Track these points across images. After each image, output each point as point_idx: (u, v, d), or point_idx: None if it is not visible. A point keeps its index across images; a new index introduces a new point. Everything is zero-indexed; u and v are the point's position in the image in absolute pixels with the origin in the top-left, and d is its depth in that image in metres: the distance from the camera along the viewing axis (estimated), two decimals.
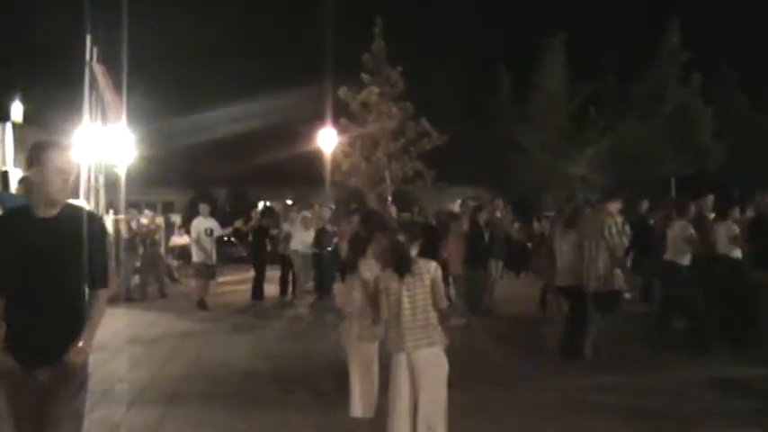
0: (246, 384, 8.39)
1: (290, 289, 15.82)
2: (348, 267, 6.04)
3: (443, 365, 5.39)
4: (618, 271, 9.32)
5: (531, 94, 35.42)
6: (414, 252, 5.63)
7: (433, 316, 5.46)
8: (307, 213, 15.51)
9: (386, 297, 5.50)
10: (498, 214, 13.99)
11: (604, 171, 33.65)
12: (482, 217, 13.09)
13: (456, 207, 15.56)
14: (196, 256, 14.77)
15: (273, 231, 16.63)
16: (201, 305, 14.31)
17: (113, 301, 15.58)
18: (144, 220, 17.28)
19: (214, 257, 14.94)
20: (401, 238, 5.63)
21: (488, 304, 13.15)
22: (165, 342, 10.96)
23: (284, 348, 10.47)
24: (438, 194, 33.21)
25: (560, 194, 31.08)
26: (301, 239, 14.94)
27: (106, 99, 15.33)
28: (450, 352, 5.36)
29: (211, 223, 14.92)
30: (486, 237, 13.01)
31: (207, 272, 14.67)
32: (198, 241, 14.67)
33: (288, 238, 15.44)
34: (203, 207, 15.26)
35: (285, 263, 15.70)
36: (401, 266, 5.47)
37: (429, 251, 6.18)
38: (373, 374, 5.93)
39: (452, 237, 12.34)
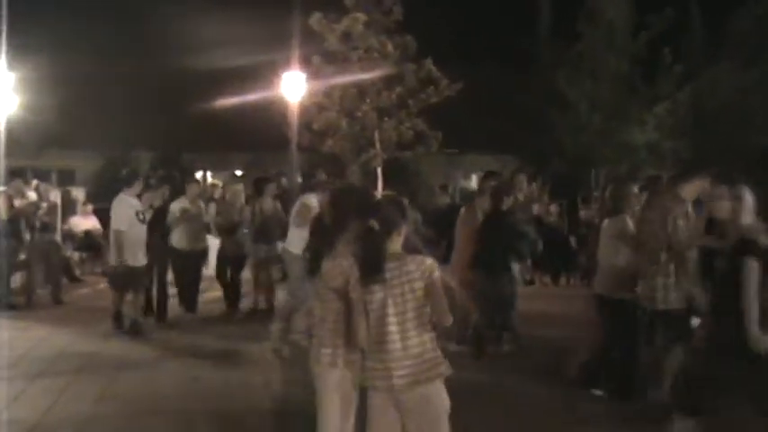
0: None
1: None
2: (310, 269, 5.87)
3: (443, 405, 5.33)
4: (684, 282, 8.83)
5: (579, 29, 35.26)
6: (396, 244, 5.49)
7: (431, 338, 5.37)
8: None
9: (362, 312, 5.38)
10: (520, 196, 13.78)
11: (681, 137, 33.59)
12: (508, 202, 12.47)
13: (473, 183, 15.37)
14: (119, 254, 13.38)
15: None
16: (134, 327, 13.54)
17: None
18: (32, 195, 17.12)
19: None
20: (374, 224, 5.47)
21: (509, 324, 12.69)
22: (59, 369, 10.89)
23: (228, 379, 10.40)
24: (447, 165, 33.21)
25: (617, 169, 31.05)
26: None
27: None
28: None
29: (137, 203, 13.90)
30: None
31: (136, 279, 13.73)
32: (122, 232, 13.36)
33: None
34: (131, 176, 14.42)
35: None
36: (369, 268, 5.34)
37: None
38: (350, 413, 5.79)
39: (463, 228, 12.21)
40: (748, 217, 6.99)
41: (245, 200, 16.07)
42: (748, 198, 7.05)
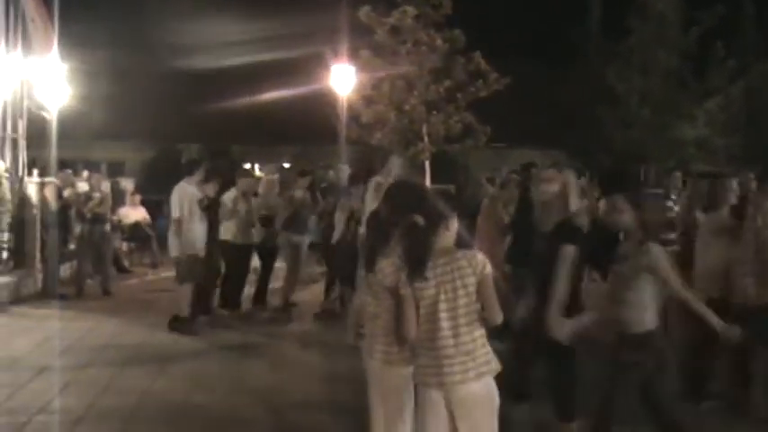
0: (218, 429, 8.37)
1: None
2: (366, 265, 5.80)
3: (493, 399, 5.27)
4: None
5: (630, 23, 34.99)
6: (447, 240, 5.41)
7: (482, 334, 5.30)
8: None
9: (412, 308, 5.32)
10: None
11: (733, 133, 33.24)
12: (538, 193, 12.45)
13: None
14: (181, 247, 13.01)
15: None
16: (186, 327, 12.94)
17: (35, 298, 15.63)
18: (82, 186, 17.19)
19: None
20: (419, 219, 5.39)
21: None
22: (106, 359, 10.91)
23: (273, 373, 10.42)
24: (494, 159, 32.97)
25: (666, 164, 30.76)
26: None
27: (30, 17, 15.24)
28: None
29: (197, 191, 13.41)
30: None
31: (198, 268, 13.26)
32: (184, 222, 12.99)
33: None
34: (193, 164, 14.16)
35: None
36: (413, 265, 5.27)
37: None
38: (404, 411, 5.72)
39: (486, 222, 12.03)
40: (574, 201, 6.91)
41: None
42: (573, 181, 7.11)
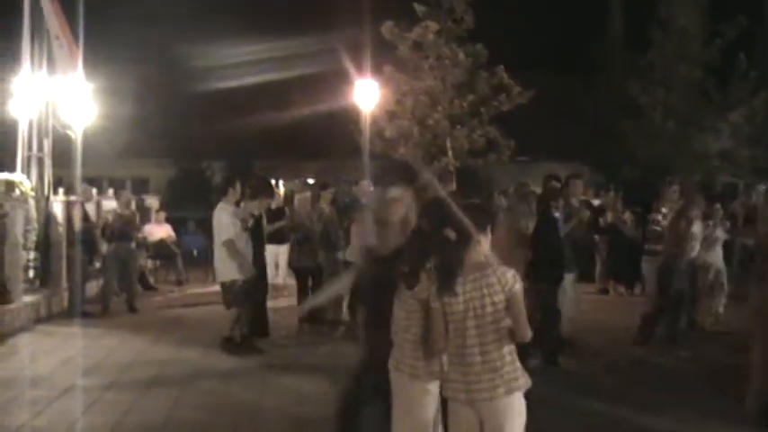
0: None
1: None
2: (407, 280, 5.74)
3: (521, 415, 5.29)
4: None
5: (652, 36, 34.91)
6: (478, 255, 5.37)
7: (511, 351, 5.28)
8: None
9: (441, 322, 5.30)
10: (574, 201, 13.18)
11: (756, 144, 33.06)
12: (558, 206, 12.12)
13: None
14: (234, 271, 12.59)
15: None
16: (239, 346, 12.74)
17: (61, 317, 15.64)
18: (107, 204, 17.22)
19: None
20: (450, 233, 5.36)
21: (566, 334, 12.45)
22: (133, 377, 10.89)
23: (301, 388, 10.40)
24: (519, 173, 32.92)
25: (689, 177, 30.62)
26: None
27: (55, 36, 15.28)
28: None
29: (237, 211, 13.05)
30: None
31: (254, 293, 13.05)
32: (233, 241, 12.56)
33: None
34: (226, 184, 13.69)
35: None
36: (443, 280, 5.25)
37: None
38: (428, 426, 5.74)
39: (504, 234, 11.89)
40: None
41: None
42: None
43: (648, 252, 13.89)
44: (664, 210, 13.88)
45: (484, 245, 5.42)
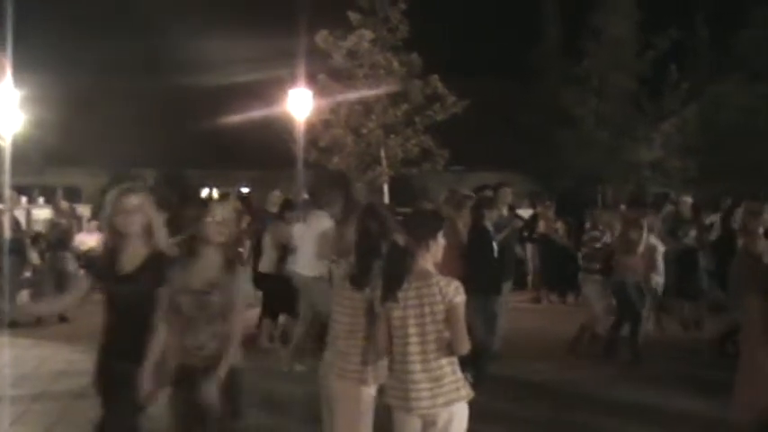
0: None
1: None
2: (357, 281, 5.77)
3: (462, 426, 5.32)
4: None
5: (586, 46, 35.21)
6: (425, 261, 5.42)
7: (451, 362, 5.31)
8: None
9: (385, 327, 5.35)
10: (504, 210, 13.16)
11: (687, 155, 33.41)
12: (491, 216, 11.91)
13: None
14: None
15: None
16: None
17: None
18: (42, 213, 17.06)
19: None
20: (399, 239, 5.44)
21: (497, 348, 12.15)
22: (62, 388, 10.77)
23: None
24: (453, 182, 32.99)
25: (622, 186, 30.95)
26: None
27: None
28: None
29: None
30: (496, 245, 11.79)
31: None
32: None
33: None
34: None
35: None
36: (387, 285, 5.30)
37: None
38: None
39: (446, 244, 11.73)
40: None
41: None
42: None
43: (588, 270, 13.52)
44: (600, 227, 13.79)
45: (433, 253, 5.47)
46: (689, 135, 33.69)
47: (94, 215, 23.01)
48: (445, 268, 9.93)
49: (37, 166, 31.51)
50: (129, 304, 5.83)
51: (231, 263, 5.85)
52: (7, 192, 16.93)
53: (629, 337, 12.61)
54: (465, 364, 5.79)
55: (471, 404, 5.40)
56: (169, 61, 33.58)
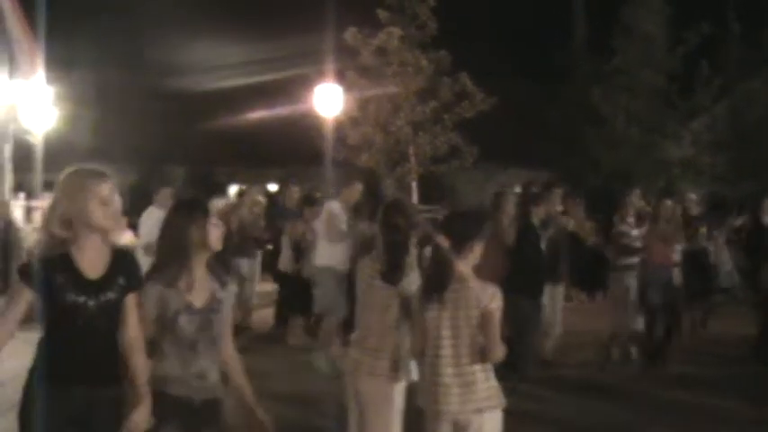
0: None
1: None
2: (390, 276, 5.78)
3: (495, 431, 5.28)
4: None
5: (616, 43, 35.05)
6: (465, 264, 5.42)
7: (484, 368, 5.30)
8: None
9: (421, 325, 5.36)
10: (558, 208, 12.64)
11: (718, 152, 33.22)
12: (538, 213, 11.24)
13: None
14: None
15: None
16: None
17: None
18: None
19: None
20: (442, 240, 5.44)
21: (544, 353, 12.06)
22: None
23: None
24: (482, 180, 33.02)
25: (652, 184, 30.76)
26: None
27: (16, 39, 15.25)
28: None
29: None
30: (543, 245, 11.21)
31: None
32: (149, 247, 11.81)
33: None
34: (164, 193, 13.62)
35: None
36: (428, 286, 5.31)
37: None
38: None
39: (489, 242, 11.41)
40: None
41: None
42: None
43: (615, 268, 13.17)
44: (629, 219, 13.30)
45: (473, 256, 5.46)
46: (719, 132, 33.47)
47: (125, 212, 23.15)
48: (489, 267, 9.75)
49: (68, 163, 31.70)
50: (95, 318, 4.72)
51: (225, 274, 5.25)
52: (39, 187, 17.08)
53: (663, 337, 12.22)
54: (509, 367, 5.74)
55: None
56: (199, 60, 33.64)
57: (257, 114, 32.93)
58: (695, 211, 15.58)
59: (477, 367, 5.22)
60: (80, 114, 26.85)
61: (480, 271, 5.38)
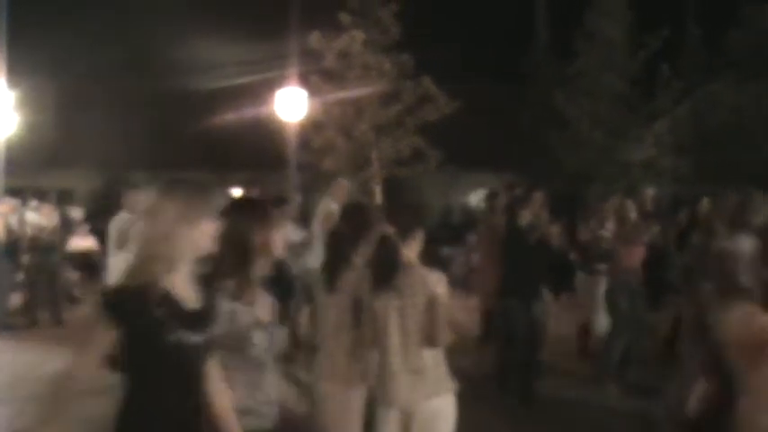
0: None
1: None
2: (326, 281, 5.82)
3: (447, 420, 5.30)
4: None
5: (578, 46, 35.26)
6: (410, 253, 5.46)
7: (434, 354, 5.32)
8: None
9: (368, 318, 5.37)
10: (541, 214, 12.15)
11: (679, 154, 33.45)
12: (525, 217, 11.00)
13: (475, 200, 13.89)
14: None
15: None
16: None
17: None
18: (31, 216, 17.06)
19: None
20: (389, 231, 5.49)
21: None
22: None
23: None
24: (446, 183, 33.09)
25: (614, 186, 30.94)
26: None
27: None
28: None
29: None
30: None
31: None
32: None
33: None
34: (133, 197, 12.31)
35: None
36: (380, 276, 5.33)
37: None
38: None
39: (481, 247, 11.38)
40: None
41: None
42: None
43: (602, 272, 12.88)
44: (608, 225, 13.21)
45: (413, 248, 5.50)
46: (680, 134, 33.70)
47: (87, 218, 23.05)
48: (485, 272, 9.78)
49: (31, 168, 31.51)
50: (198, 359, 4.09)
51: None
52: (1, 193, 16.95)
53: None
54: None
55: (471, 400, 5.43)
56: (161, 64, 33.57)
57: (221, 118, 32.83)
58: (649, 206, 15.53)
59: (426, 354, 5.24)
60: (40, 120, 26.66)
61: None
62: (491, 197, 12.13)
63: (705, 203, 13.25)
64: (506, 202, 11.60)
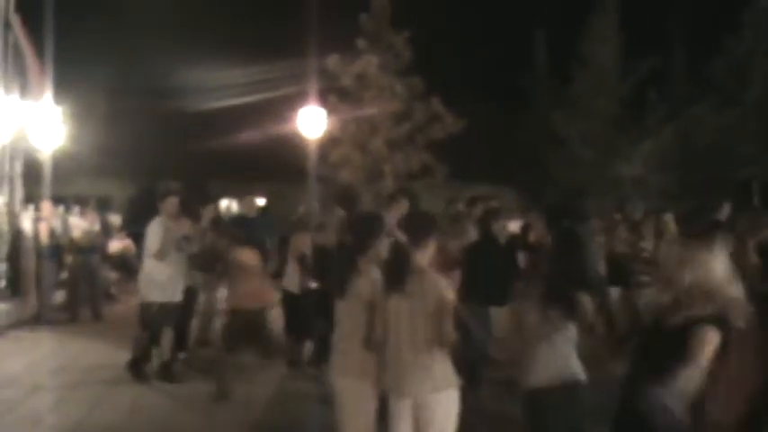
0: None
1: None
2: (337, 287, 5.82)
3: (449, 412, 5.31)
4: None
5: (573, 72, 35.30)
6: (421, 258, 5.46)
7: (439, 352, 5.32)
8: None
9: (381, 318, 5.38)
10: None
11: (665, 171, 33.44)
12: (498, 226, 10.67)
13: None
14: (155, 293, 10.73)
15: None
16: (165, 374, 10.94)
17: (30, 323, 15.48)
18: (75, 220, 17.11)
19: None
20: (401, 236, 5.52)
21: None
22: (97, 378, 10.83)
23: (248, 394, 10.28)
24: (451, 195, 33.00)
25: (605, 200, 30.95)
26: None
27: (25, 61, 15.15)
28: None
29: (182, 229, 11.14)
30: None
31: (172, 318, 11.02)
32: (161, 262, 10.73)
33: None
34: (171, 202, 11.23)
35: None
36: (392, 279, 5.34)
37: None
38: (370, 426, 5.77)
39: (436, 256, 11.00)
40: None
41: None
42: None
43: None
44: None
45: (427, 252, 5.51)
46: (667, 153, 33.70)
47: (124, 223, 23.14)
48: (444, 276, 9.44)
49: (73, 177, 31.63)
50: None
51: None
52: (46, 201, 16.99)
53: None
54: (462, 367, 5.68)
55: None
56: (194, 84, 33.66)
57: (248, 133, 32.92)
58: (637, 216, 15.41)
59: (434, 351, 5.26)
60: (84, 132, 26.73)
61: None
62: (471, 201, 11.77)
63: (667, 218, 13.11)
64: (483, 213, 10.88)
